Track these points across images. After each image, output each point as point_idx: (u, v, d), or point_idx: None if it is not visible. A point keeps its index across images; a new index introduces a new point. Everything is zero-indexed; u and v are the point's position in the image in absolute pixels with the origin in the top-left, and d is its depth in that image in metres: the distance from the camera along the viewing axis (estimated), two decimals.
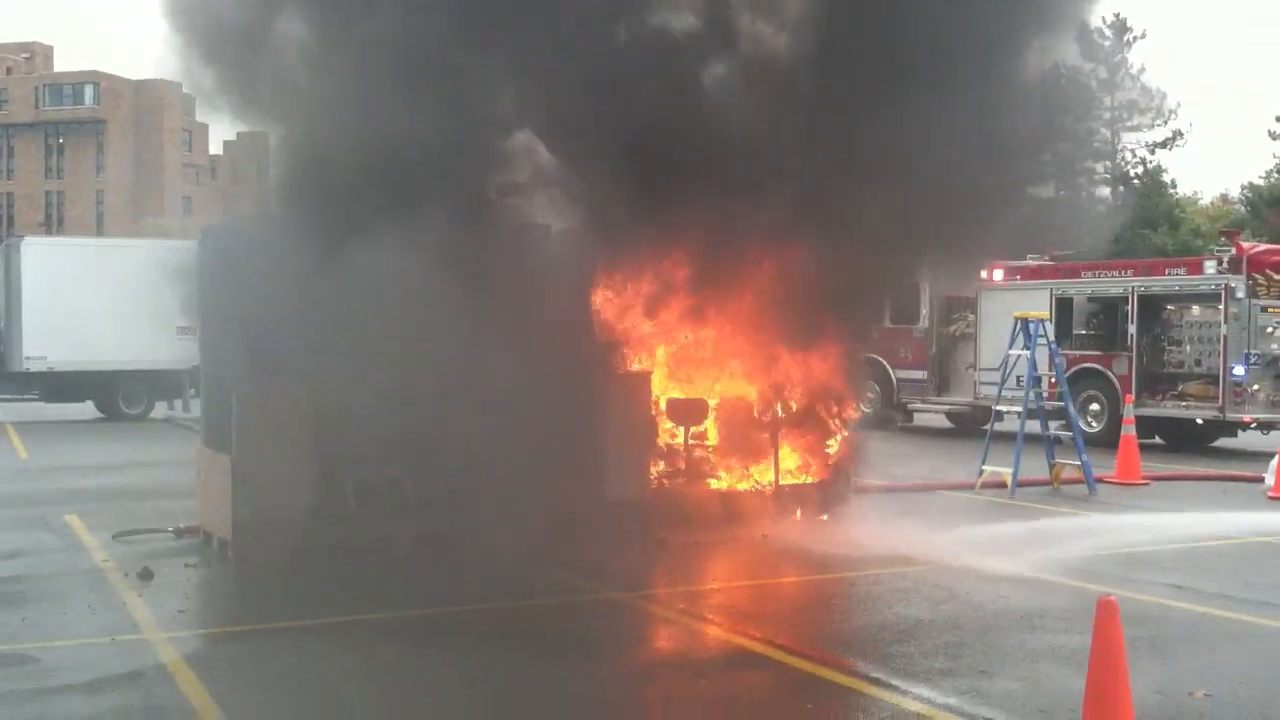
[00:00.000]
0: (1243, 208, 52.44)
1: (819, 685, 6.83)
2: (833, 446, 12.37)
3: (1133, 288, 20.96)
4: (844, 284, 11.56)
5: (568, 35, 10.36)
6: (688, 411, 12.05)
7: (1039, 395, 15.44)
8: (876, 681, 6.74)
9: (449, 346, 9.77)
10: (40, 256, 24.93)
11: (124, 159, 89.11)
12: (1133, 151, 47.65)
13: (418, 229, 9.64)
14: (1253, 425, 19.84)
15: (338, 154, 9.93)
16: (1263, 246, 22.55)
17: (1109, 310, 21.46)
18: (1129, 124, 47.12)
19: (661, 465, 11.81)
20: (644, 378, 11.65)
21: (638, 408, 11.47)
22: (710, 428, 12.20)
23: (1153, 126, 47.05)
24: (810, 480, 12.21)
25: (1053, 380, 15.94)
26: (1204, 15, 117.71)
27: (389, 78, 9.89)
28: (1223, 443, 21.19)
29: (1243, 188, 54.27)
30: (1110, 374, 20.80)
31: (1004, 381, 15.57)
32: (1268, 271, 20.02)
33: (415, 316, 9.65)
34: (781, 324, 11.73)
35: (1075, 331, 21.39)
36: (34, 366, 24.59)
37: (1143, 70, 46.01)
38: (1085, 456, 14.85)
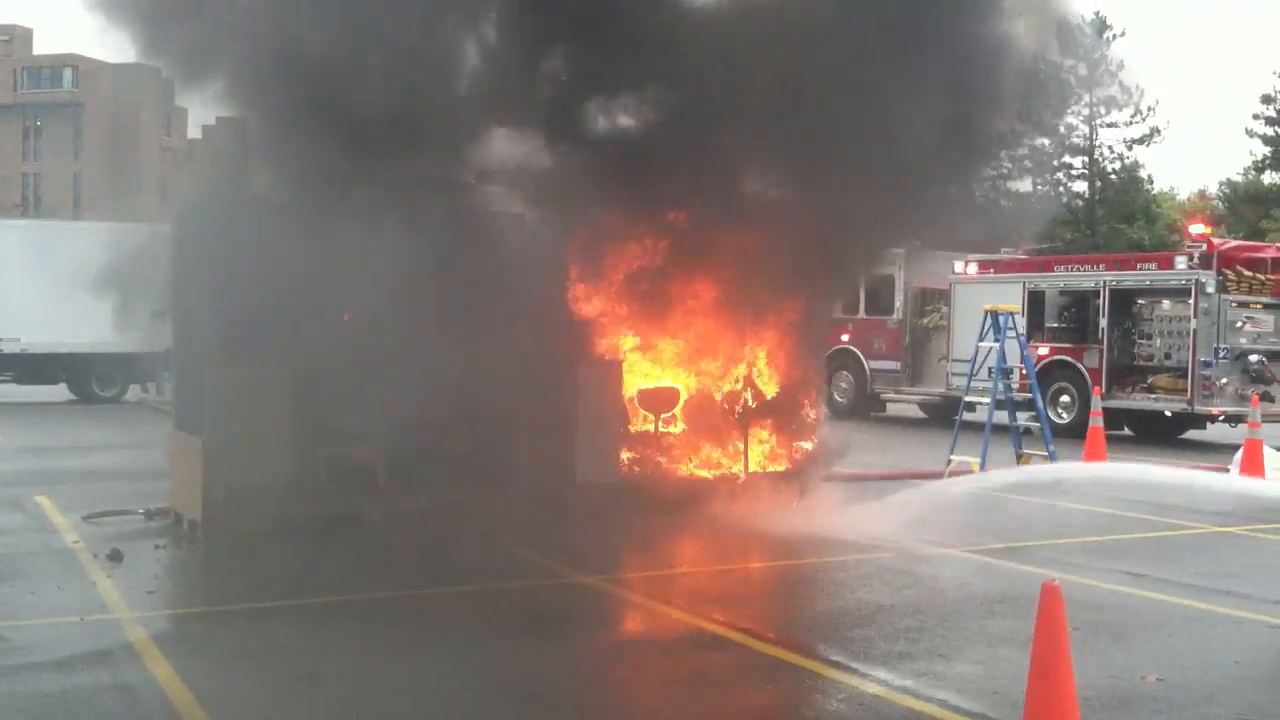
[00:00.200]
0: (1220, 204, 52.86)
1: (780, 667, 6.93)
2: (802, 435, 12.49)
3: (1104, 282, 21.18)
4: (809, 266, 11.65)
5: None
6: (658, 399, 12.14)
7: (1008, 386, 15.59)
8: (836, 664, 6.84)
9: (424, 325, 9.82)
10: (13, 239, 24.83)
11: (102, 142, 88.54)
12: (1110, 148, 47.86)
13: (393, 205, 9.65)
14: (1221, 418, 20.08)
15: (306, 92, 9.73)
16: (1233, 243, 22.84)
17: (1081, 304, 21.66)
18: (1107, 120, 47.31)
19: (632, 452, 11.90)
20: (615, 364, 11.73)
21: (609, 392, 11.55)
22: (680, 416, 12.30)
23: (1130, 123, 47.27)
24: (780, 468, 12.33)
25: (1023, 372, 16.11)
26: (1184, 14, 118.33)
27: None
28: (1191, 435, 21.43)
29: (1221, 184, 54.82)
30: (1081, 366, 21.01)
31: (974, 373, 15.72)
32: (1238, 267, 20.31)
33: (391, 296, 9.70)
34: (750, 310, 11.83)
35: (1047, 324, 21.60)
36: (7, 348, 24.54)
37: (1121, 67, 46.13)
38: (1052, 446, 15.02)
